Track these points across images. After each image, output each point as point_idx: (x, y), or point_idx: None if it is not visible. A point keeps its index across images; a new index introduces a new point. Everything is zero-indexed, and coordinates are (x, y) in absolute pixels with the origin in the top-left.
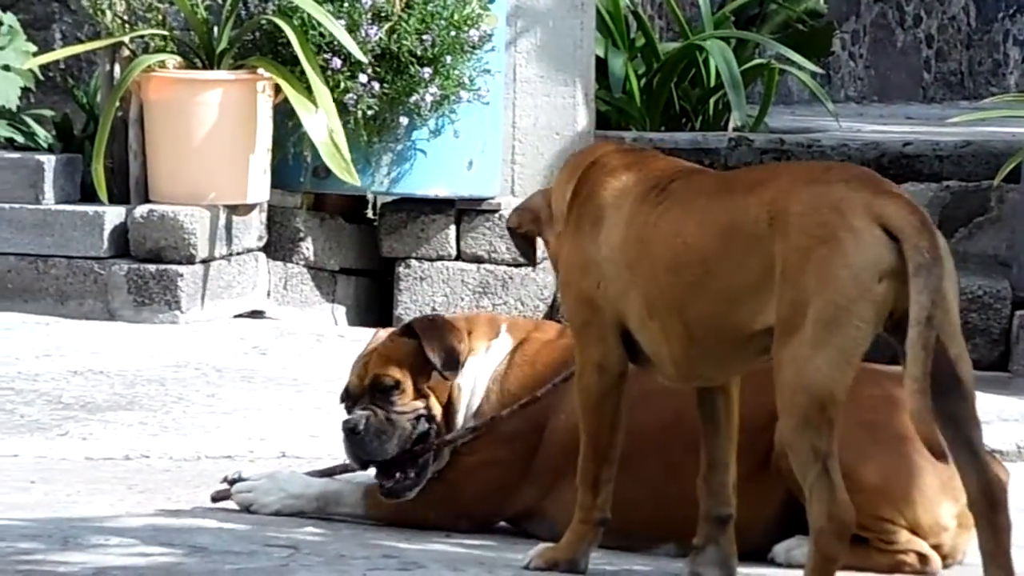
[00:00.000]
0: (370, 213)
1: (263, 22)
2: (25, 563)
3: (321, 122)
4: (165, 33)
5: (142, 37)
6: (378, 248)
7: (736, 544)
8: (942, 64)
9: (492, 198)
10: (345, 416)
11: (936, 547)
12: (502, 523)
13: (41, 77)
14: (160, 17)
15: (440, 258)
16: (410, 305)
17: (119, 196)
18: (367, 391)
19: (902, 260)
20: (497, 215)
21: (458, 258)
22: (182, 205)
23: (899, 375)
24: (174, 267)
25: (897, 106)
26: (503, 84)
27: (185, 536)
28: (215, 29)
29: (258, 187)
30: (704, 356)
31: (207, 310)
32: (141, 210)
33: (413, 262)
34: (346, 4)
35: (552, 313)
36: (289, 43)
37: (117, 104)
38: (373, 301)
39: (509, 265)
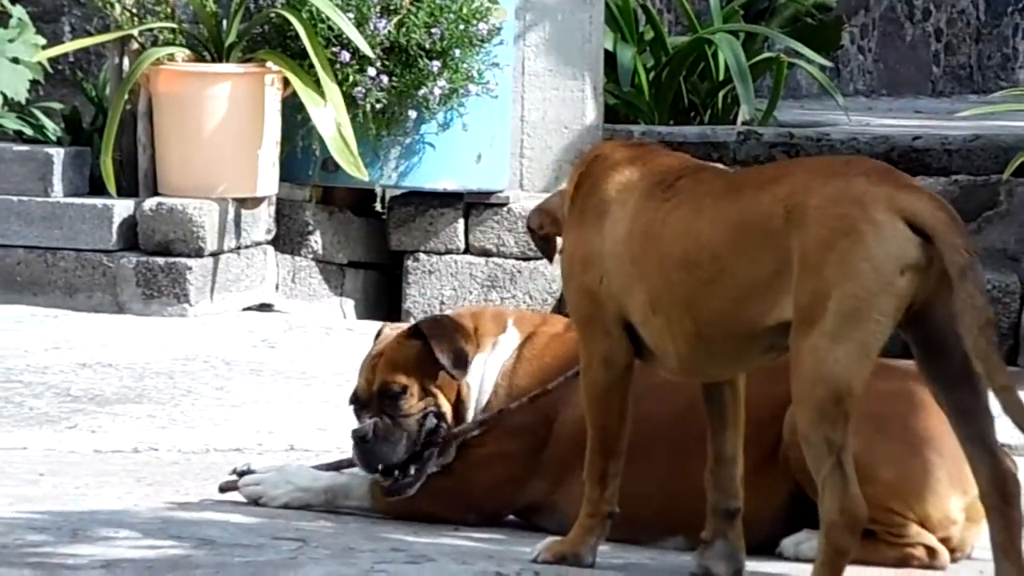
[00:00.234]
0: (378, 206)
1: (272, 15)
2: (34, 555)
3: (329, 116)
4: (174, 26)
5: (151, 30)
6: (387, 241)
7: (744, 537)
8: (951, 58)
9: (500, 191)
10: (354, 420)
11: (944, 540)
12: (511, 516)
13: (50, 70)
14: (169, 10)
15: (448, 251)
16: (418, 299)
17: (128, 189)
18: (375, 397)
19: (924, 254)
20: (505, 208)
21: (466, 251)
22: (191, 198)
23: (910, 369)
24: (183, 260)
25: (906, 100)
26: (512, 77)
27: (194, 529)
28: (224, 22)
29: (267, 180)
30: (710, 352)
31: (216, 303)
32: (150, 203)
33: (421, 255)
34: None
35: (560, 306)
36: (298, 36)
37: (126, 97)
38: (381, 294)
39: (517, 259)
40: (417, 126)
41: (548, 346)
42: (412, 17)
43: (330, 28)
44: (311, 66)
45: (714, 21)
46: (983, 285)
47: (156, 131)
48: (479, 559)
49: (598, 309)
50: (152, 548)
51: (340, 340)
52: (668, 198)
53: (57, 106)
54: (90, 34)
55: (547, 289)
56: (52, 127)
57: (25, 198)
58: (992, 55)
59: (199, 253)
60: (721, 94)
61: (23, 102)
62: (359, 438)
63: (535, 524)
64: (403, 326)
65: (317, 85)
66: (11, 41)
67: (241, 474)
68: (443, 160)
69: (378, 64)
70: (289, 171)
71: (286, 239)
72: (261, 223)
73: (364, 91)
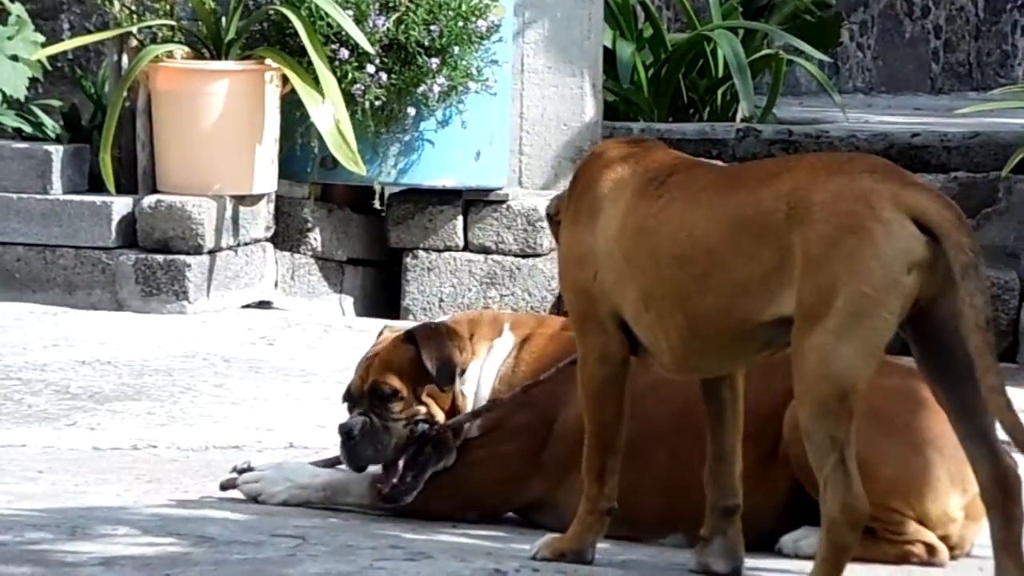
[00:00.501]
0: (377, 204)
1: (271, 12)
2: (33, 553)
3: (328, 113)
4: (173, 23)
5: (150, 27)
6: (386, 239)
7: (743, 534)
8: (950, 55)
9: (499, 189)
10: (344, 417)
11: (944, 538)
12: (510, 514)
13: (49, 67)
14: (168, 7)
15: (448, 249)
16: (417, 296)
17: (127, 186)
18: (366, 395)
19: (930, 253)
20: (505, 206)
21: (466, 249)
22: (190, 195)
23: (910, 367)
24: (182, 257)
25: (905, 97)
26: (511, 75)
27: (193, 526)
28: (223, 19)
29: (266, 177)
30: (703, 348)
31: (215, 300)
32: (149, 200)
33: (421, 253)
34: None
35: (559, 303)
36: (297, 33)
37: (125, 94)
38: (380, 292)
39: (516, 256)
40: (416, 123)
41: (545, 348)
42: (411, 14)
43: (329, 25)
44: (310, 63)
45: (713, 18)
46: (984, 285)
47: (155, 128)
48: (478, 556)
49: (593, 306)
50: (151, 545)
51: (339, 337)
52: (660, 195)
53: (56, 103)
54: (89, 32)
55: (546, 286)
56: (51, 124)
57: (24, 195)
58: (991, 52)
59: (198, 250)
60: (720, 91)
61: (22, 99)
62: (345, 433)
63: (534, 521)
64: (405, 326)
65: (316, 82)
66: (10, 39)
67: (241, 472)
68: (442, 157)
69: (377, 61)
70: (288, 168)
71: (285, 236)
72: (260, 220)
73: (363, 88)
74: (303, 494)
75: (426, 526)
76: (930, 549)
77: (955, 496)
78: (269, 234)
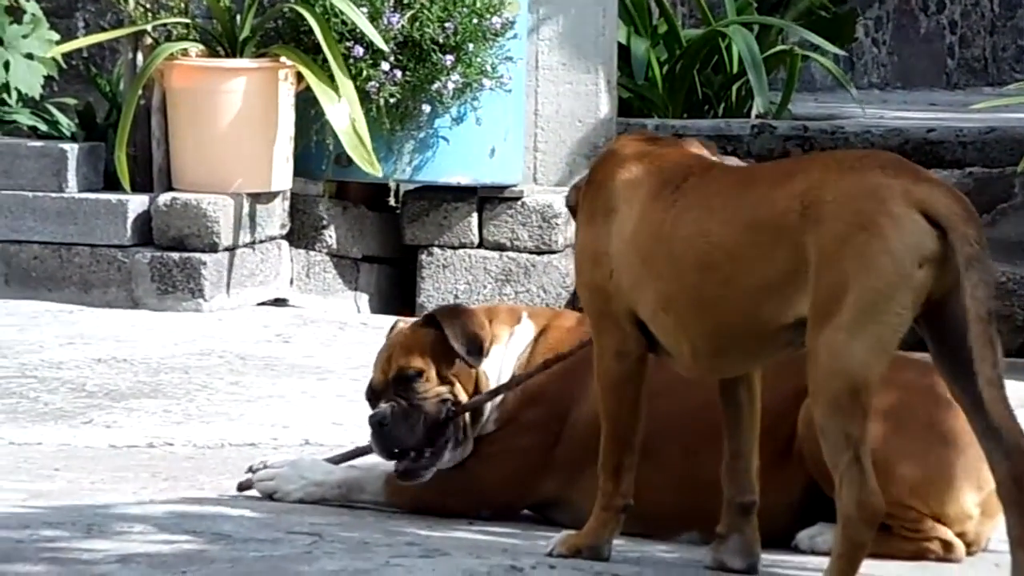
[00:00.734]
0: (392, 201)
1: (285, 10)
2: (50, 550)
3: (343, 111)
4: (188, 21)
5: (164, 25)
6: (401, 236)
7: (759, 531)
8: (966, 50)
9: (514, 186)
10: (370, 411)
11: (960, 535)
12: (526, 511)
13: (64, 66)
14: (183, 5)
15: (462, 246)
16: (432, 293)
17: (142, 184)
18: (391, 384)
19: (942, 247)
20: (519, 202)
21: (480, 246)
22: (205, 193)
23: (925, 362)
24: (197, 255)
25: (920, 92)
26: (525, 71)
27: (209, 523)
28: (237, 17)
29: (281, 175)
30: (725, 351)
31: (230, 298)
32: (164, 198)
33: (435, 250)
34: None
35: (574, 300)
36: (311, 31)
37: (140, 92)
38: (395, 289)
39: (531, 253)
40: (431, 120)
41: (562, 340)
42: (425, 11)
43: (344, 23)
44: (325, 61)
45: (728, 14)
46: (989, 277)
47: (170, 126)
48: (494, 553)
49: (608, 304)
50: (167, 543)
51: (354, 335)
52: (676, 200)
53: (71, 102)
54: (104, 30)
55: (561, 283)
56: (66, 123)
57: (40, 194)
58: (1007, 47)
59: (213, 248)
60: (735, 87)
61: (37, 98)
62: (376, 423)
63: (551, 519)
64: (417, 320)
65: (331, 80)
66: (25, 37)
67: (257, 471)
68: (457, 154)
69: (392, 59)
70: (303, 166)
71: (300, 234)
72: (275, 218)
73: (378, 85)
74: (319, 491)
75: (442, 523)
76: (946, 546)
77: (971, 493)
78: (284, 232)
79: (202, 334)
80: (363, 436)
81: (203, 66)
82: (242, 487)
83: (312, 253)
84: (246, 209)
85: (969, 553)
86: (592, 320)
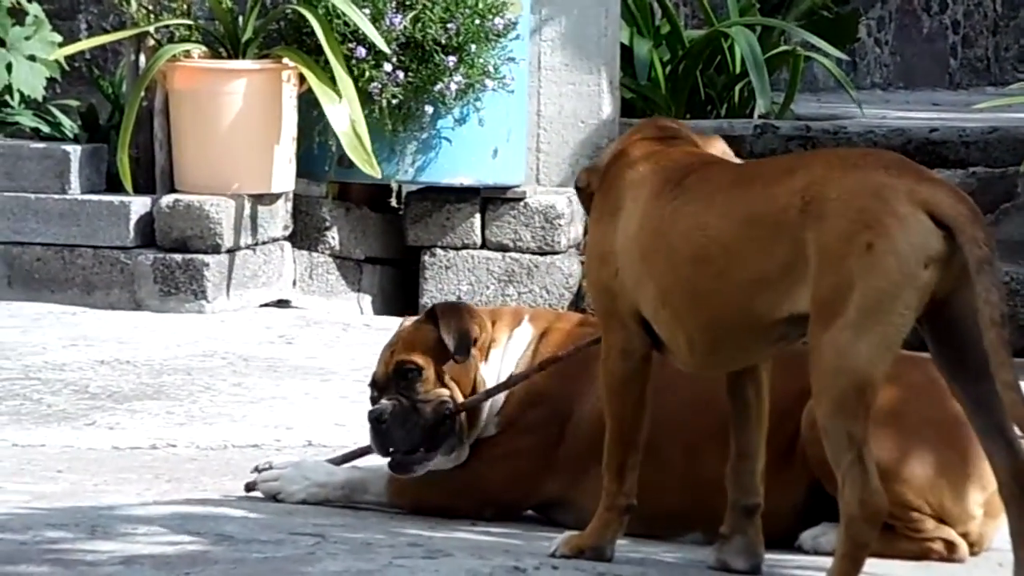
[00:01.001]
0: (395, 202)
1: (288, 11)
2: (53, 552)
3: (344, 113)
4: (190, 23)
5: (167, 27)
6: (403, 237)
7: (762, 531)
8: (968, 50)
9: (517, 186)
10: (371, 406)
11: (963, 535)
12: (529, 512)
13: (66, 67)
14: (185, 7)
15: (465, 247)
16: (435, 294)
17: (145, 186)
18: (392, 379)
19: (947, 247)
20: (522, 203)
21: (483, 247)
22: (208, 195)
23: (927, 361)
24: (200, 257)
25: (923, 92)
26: (528, 72)
27: (212, 524)
28: (240, 19)
29: (283, 176)
30: (720, 345)
31: (233, 299)
32: (167, 200)
33: (438, 251)
34: None
35: (578, 301)
36: (313, 32)
37: (142, 94)
38: (398, 290)
39: (534, 253)
40: (433, 121)
41: (563, 343)
42: (428, 12)
43: (346, 24)
44: (327, 62)
45: (730, 14)
46: (999, 280)
47: (173, 128)
48: (497, 554)
49: (614, 303)
50: (170, 544)
51: (357, 336)
52: (676, 196)
53: (74, 103)
54: (106, 31)
55: (564, 284)
56: (69, 124)
57: (42, 195)
58: (1009, 47)
59: (216, 250)
60: (738, 88)
61: (40, 100)
62: (375, 419)
63: (554, 519)
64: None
65: (333, 81)
66: (28, 39)
67: (261, 471)
68: (459, 155)
69: (394, 60)
70: (306, 167)
71: (303, 235)
72: (278, 219)
73: (380, 87)
74: (322, 492)
75: (445, 524)
76: (950, 546)
77: (975, 493)
78: (287, 233)
79: (205, 335)
80: (366, 437)
81: (205, 68)
82: (249, 487)
83: (315, 254)
84: (248, 210)
85: (972, 553)
86: (600, 319)
